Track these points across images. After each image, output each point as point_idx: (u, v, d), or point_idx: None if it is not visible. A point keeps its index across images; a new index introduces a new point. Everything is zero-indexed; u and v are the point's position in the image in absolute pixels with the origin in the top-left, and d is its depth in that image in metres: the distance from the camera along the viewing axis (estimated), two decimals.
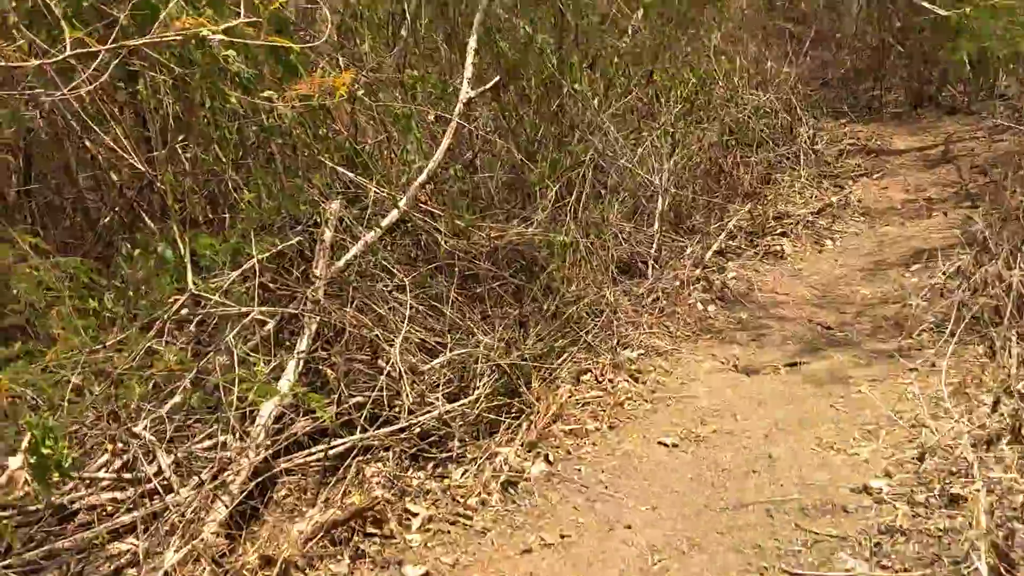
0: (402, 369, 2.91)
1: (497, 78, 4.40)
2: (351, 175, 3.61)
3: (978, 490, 2.11)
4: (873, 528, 2.44)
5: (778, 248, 5.60)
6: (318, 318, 3.01)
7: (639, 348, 4.08)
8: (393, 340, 3.00)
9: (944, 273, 4.58)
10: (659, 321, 4.38)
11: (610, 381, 3.73)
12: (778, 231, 5.87)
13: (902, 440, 2.93)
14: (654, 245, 5.04)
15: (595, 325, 4.01)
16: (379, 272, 3.50)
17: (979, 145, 7.16)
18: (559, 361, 3.73)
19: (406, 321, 3.17)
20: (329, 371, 2.86)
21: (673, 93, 5.66)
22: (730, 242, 5.57)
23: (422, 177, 3.72)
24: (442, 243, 3.63)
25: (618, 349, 3.99)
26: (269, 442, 2.89)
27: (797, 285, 5.05)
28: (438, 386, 3.20)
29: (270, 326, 3.16)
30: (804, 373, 3.73)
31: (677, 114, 5.61)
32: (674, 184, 5.35)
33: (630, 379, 3.78)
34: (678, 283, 4.84)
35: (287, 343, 3.32)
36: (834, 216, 6.16)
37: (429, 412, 3.08)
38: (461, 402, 3.21)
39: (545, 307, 3.78)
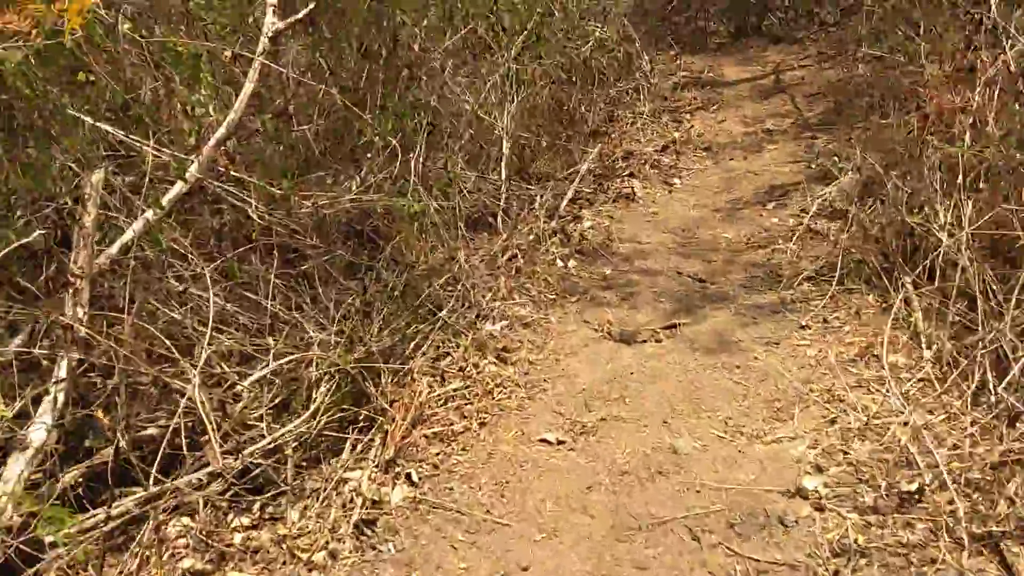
0: (205, 412, 2.15)
1: (311, 5, 3.57)
2: (121, 134, 2.72)
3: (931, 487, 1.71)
4: (823, 547, 2.03)
5: (629, 190, 5.23)
6: (75, 351, 2.17)
7: (501, 319, 3.53)
8: (193, 362, 2.23)
9: (807, 212, 4.37)
10: (518, 284, 3.85)
11: (475, 366, 3.14)
12: (626, 172, 5.51)
13: (820, 420, 2.56)
14: (502, 196, 4.48)
15: (451, 298, 3.40)
16: (171, 260, 2.67)
17: (808, 74, 7.12)
18: (412, 348, 3.10)
19: (209, 325, 2.40)
20: (101, 415, 2.06)
21: (513, 23, 5.02)
22: (580, 187, 5.13)
23: (220, 132, 2.89)
24: (254, 216, 2.84)
25: (478, 323, 3.42)
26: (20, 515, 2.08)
27: (656, 231, 4.68)
28: (260, 406, 2.47)
29: (13, 348, 2.30)
30: (687, 337, 3.32)
31: (517, 48, 5.01)
32: (517, 127, 4.79)
33: (497, 361, 3.22)
34: (532, 238, 4.33)
35: (45, 364, 2.46)
36: (678, 152, 5.90)
37: (249, 446, 2.36)
38: (295, 422, 2.51)
39: (391, 286, 3.11)
